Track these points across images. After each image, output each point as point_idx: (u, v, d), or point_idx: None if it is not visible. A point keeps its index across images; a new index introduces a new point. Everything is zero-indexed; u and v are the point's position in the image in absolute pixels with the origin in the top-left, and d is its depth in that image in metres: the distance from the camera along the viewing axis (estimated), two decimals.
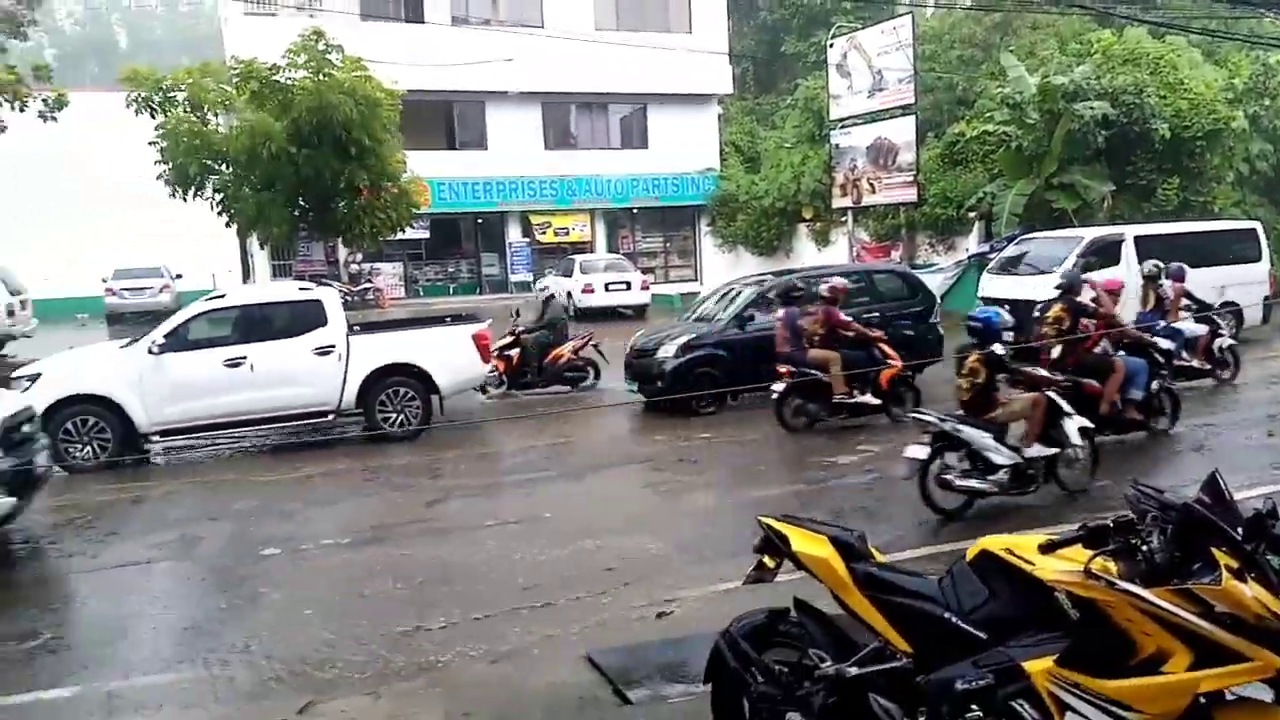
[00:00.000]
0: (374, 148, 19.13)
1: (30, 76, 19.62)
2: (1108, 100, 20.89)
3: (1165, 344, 10.40)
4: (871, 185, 24.37)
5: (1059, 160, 21.42)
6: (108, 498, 9.43)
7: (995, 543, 3.47)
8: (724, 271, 28.34)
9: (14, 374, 10.85)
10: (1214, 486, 3.05)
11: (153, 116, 19.49)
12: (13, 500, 7.39)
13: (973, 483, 7.38)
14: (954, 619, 3.35)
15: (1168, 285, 11.92)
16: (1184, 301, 12.20)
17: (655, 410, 12.35)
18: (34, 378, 10.51)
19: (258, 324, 11.32)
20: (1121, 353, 9.65)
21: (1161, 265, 12.01)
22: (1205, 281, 13.83)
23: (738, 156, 33.26)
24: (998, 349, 7.58)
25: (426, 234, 29.34)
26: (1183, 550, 2.96)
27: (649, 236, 33.16)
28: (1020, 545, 3.38)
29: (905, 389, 11.11)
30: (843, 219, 26.93)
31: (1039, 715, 3.11)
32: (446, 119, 30.10)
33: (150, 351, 10.76)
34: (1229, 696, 2.91)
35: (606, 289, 24.80)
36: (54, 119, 19.47)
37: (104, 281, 26.49)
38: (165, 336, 10.91)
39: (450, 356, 11.78)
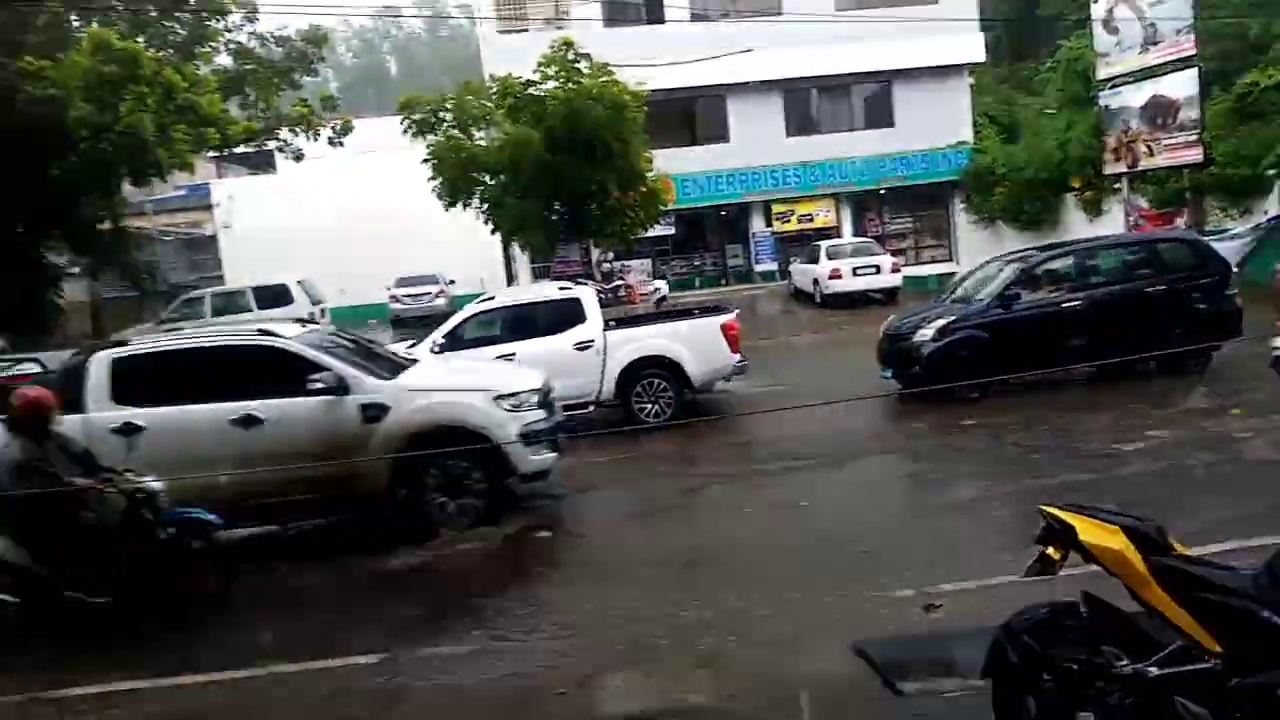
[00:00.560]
0: (621, 150, 19.83)
1: (320, 108, 22.03)
2: None
3: None
4: (1148, 148, 22.28)
5: None
6: None
7: None
8: (982, 250, 26.78)
9: None
10: None
11: (424, 137, 21.27)
12: (555, 455, 8.43)
13: None
14: (1275, 618, 3.01)
15: None
16: None
17: (912, 396, 11.94)
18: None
19: (524, 322, 12.11)
20: None
21: None
22: None
23: (993, 128, 31.46)
24: None
25: (672, 230, 29.97)
26: None
27: (898, 217, 32.07)
28: None
29: None
30: (1116, 186, 24.79)
31: None
32: (688, 115, 30.56)
33: (432, 351, 11.74)
34: None
35: (854, 273, 24.24)
36: (340, 144, 21.75)
37: (387, 290, 29.14)
38: (444, 337, 11.91)
39: (701, 348, 12.01)
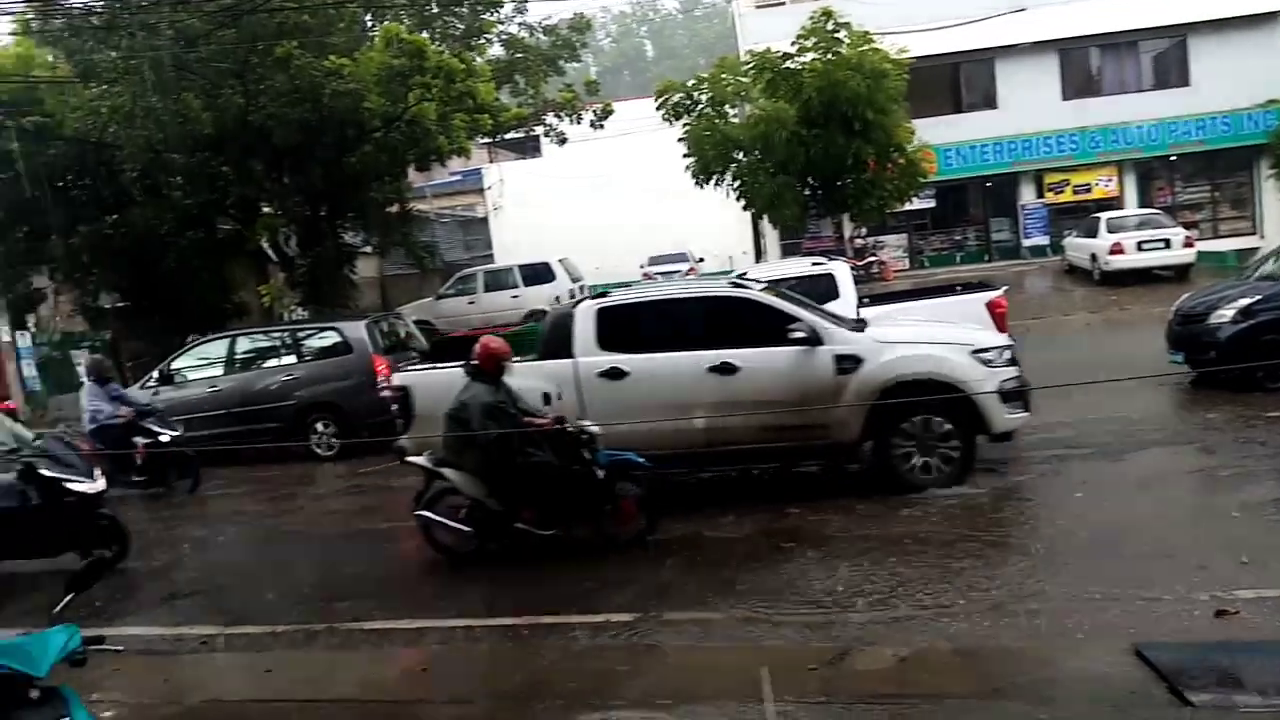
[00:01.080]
0: (880, 120, 19.22)
1: (583, 92, 22.90)
2: None
3: None
4: None
5: None
6: None
7: None
8: None
9: None
10: None
11: (679, 119, 21.64)
12: (1027, 414, 8.18)
13: None
14: None
15: None
16: None
17: (1206, 384, 10.78)
18: None
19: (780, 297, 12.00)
20: None
21: None
22: None
23: None
24: None
25: (933, 203, 28.73)
26: None
27: (1192, 186, 28.98)
28: None
29: None
30: None
31: None
32: (952, 82, 29.09)
33: None
34: None
35: (1139, 248, 22.13)
36: (601, 126, 22.53)
37: (641, 267, 29.99)
38: None
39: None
